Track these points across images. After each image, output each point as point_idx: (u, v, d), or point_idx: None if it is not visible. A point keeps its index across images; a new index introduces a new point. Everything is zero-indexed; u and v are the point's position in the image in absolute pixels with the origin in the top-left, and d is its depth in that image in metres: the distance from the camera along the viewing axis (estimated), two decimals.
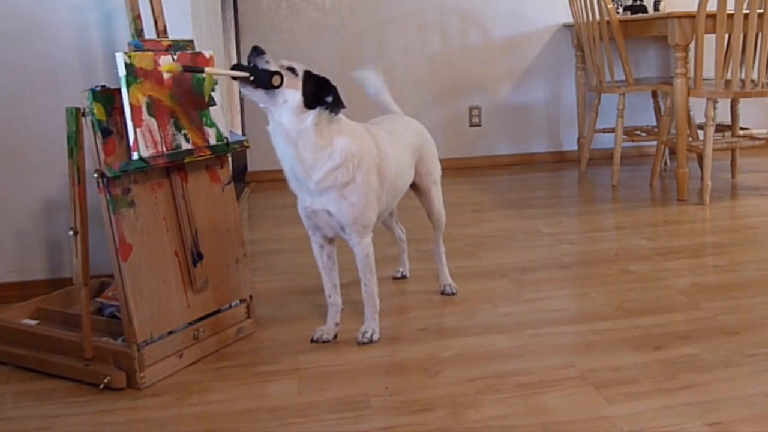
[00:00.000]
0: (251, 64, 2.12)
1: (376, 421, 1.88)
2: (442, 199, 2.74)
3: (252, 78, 2.10)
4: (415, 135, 2.62)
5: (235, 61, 4.98)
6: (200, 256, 2.32)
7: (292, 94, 2.12)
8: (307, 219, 2.32)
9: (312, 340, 2.39)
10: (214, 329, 2.35)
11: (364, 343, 2.35)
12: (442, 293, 2.78)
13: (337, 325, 2.42)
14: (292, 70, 2.13)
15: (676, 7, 4.74)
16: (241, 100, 5.13)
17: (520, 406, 1.93)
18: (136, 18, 2.31)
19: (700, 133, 4.59)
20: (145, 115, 2.13)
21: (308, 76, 2.16)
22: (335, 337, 2.40)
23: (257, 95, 2.12)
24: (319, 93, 2.14)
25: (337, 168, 2.18)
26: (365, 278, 2.36)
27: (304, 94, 2.12)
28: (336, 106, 2.16)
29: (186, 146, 2.26)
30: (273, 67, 2.11)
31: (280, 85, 2.10)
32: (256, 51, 2.13)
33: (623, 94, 4.59)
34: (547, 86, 5.54)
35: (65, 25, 2.69)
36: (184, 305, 2.26)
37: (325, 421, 1.90)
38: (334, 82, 2.17)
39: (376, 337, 2.37)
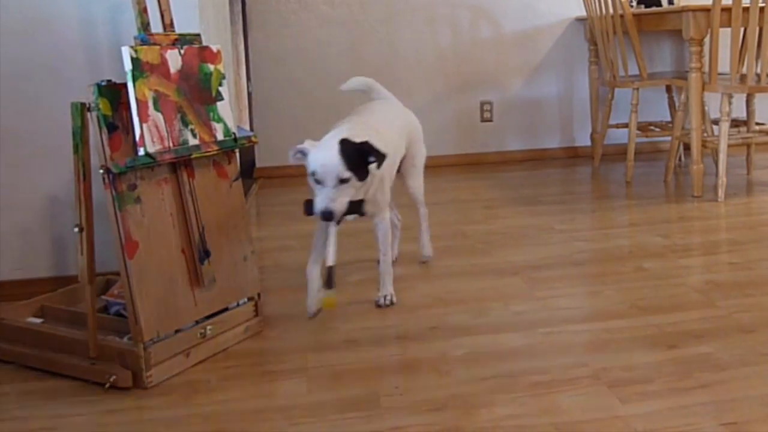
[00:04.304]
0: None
1: (386, 421, 1.86)
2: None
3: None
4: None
5: (243, 57, 4.97)
6: (207, 254, 2.30)
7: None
8: None
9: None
10: (221, 328, 2.32)
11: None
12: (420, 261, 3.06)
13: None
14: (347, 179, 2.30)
15: (690, 1, 4.69)
16: (249, 95, 5.11)
17: (533, 406, 1.90)
18: (143, 11, 2.29)
19: (716, 128, 4.55)
20: (151, 110, 2.11)
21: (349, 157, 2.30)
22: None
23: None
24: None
25: None
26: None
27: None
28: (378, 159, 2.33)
29: (193, 142, 2.23)
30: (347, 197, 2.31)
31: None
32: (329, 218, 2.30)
33: (637, 89, 4.55)
34: (560, 81, 5.50)
35: (70, 19, 2.67)
36: (191, 303, 2.24)
37: (335, 421, 1.88)
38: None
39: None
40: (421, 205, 3.03)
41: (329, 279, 2.36)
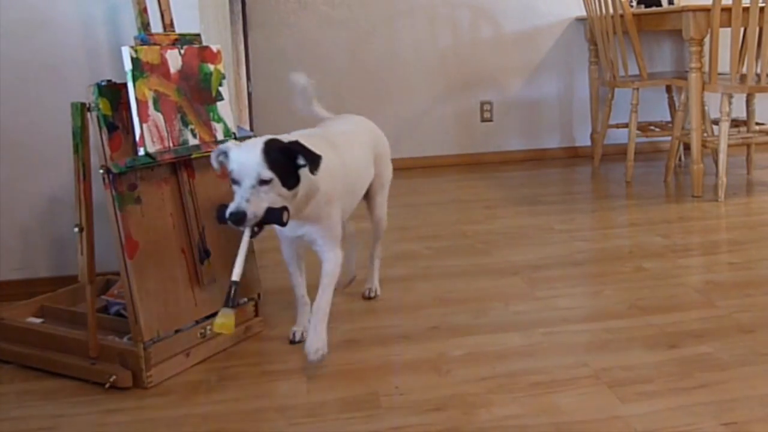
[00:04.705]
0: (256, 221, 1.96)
1: (385, 421, 1.86)
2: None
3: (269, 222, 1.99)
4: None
5: (243, 57, 4.96)
6: (207, 254, 2.30)
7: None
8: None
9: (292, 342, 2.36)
10: None
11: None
12: (364, 296, 2.72)
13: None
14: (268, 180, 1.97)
15: (690, 1, 4.68)
16: (249, 95, 5.11)
17: (533, 406, 1.90)
18: (143, 11, 2.29)
19: (716, 128, 4.54)
20: (151, 110, 2.11)
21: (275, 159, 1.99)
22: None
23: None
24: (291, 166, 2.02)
25: None
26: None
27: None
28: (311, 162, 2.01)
29: (193, 141, 2.23)
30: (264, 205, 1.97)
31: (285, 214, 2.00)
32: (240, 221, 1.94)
33: (637, 89, 4.54)
34: (560, 81, 5.49)
35: (70, 19, 2.66)
36: (191, 303, 2.24)
37: (335, 421, 1.87)
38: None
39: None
40: (379, 236, 2.72)
41: (229, 296, 2.00)
